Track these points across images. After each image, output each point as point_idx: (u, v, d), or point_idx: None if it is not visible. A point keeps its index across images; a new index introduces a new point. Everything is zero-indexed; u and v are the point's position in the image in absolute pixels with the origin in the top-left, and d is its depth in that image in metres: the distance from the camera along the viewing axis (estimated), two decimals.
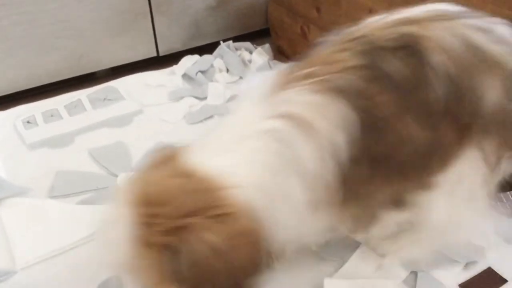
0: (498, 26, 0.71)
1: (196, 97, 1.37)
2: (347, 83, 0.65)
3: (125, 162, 1.15)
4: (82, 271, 0.91)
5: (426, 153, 0.69)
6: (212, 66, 1.48)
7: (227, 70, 1.47)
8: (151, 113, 1.32)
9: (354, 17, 1.24)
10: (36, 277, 0.90)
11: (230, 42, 1.55)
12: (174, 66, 1.50)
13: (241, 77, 1.44)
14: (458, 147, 0.70)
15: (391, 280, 0.88)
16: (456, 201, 0.76)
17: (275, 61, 1.50)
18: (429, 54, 0.66)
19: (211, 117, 1.30)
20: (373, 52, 0.67)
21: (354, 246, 0.94)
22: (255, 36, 1.66)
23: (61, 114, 1.31)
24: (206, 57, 1.51)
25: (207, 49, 1.57)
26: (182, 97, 1.37)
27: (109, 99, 1.37)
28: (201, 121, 1.29)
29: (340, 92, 0.65)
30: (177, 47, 1.57)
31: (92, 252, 0.93)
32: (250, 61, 1.50)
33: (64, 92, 1.41)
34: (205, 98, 1.37)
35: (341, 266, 0.91)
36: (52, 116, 1.30)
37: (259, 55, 1.52)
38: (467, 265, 0.91)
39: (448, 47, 0.67)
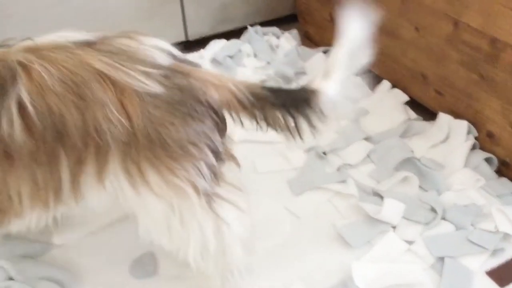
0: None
1: None
2: None
3: None
4: (116, 249, 0.94)
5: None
6: (240, 51, 1.49)
7: (255, 55, 1.48)
8: None
9: (384, 2, 1.25)
10: (72, 253, 0.93)
11: (258, 27, 1.55)
12: (202, 51, 1.51)
13: (268, 62, 1.45)
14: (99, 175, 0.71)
15: (418, 265, 0.89)
16: None
17: (303, 47, 1.50)
18: (20, 87, 0.66)
19: None
20: None
21: (382, 230, 0.96)
22: (283, 21, 1.66)
23: None
24: (234, 41, 1.52)
25: (235, 33, 1.58)
26: None
27: None
28: None
29: None
30: (206, 31, 1.58)
31: (126, 230, 0.97)
32: (277, 46, 1.51)
33: None
34: None
35: (369, 250, 0.92)
36: None
37: (287, 40, 1.52)
38: (494, 252, 0.91)
39: (59, 79, 0.67)
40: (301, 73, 1.39)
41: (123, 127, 0.66)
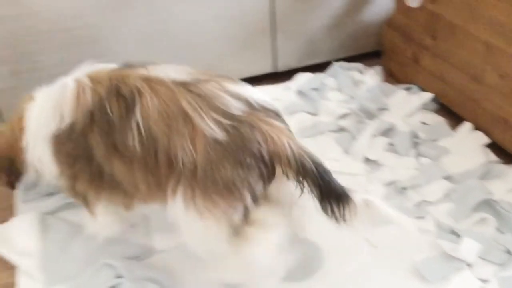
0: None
1: (309, 113, 1.48)
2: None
3: None
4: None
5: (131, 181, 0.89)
6: (324, 84, 1.58)
7: (339, 89, 1.57)
8: None
9: (469, 49, 1.29)
10: (171, 259, 1.05)
11: (342, 62, 1.64)
12: (289, 82, 1.62)
13: (351, 97, 1.53)
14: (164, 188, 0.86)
15: None
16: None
17: (386, 83, 1.57)
18: (137, 109, 0.85)
19: (322, 132, 1.40)
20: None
21: (457, 267, 1.00)
22: (366, 57, 1.74)
23: None
24: (319, 75, 1.62)
25: (320, 67, 1.68)
26: (295, 112, 1.49)
27: None
28: (312, 135, 1.39)
29: None
30: (293, 64, 1.69)
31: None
32: (361, 82, 1.58)
33: None
34: (317, 114, 1.47)
35: (445, 286, 0.97)
36: None
37: (370, 76, 1.59)
38: None
39: (159, 109, 0.84)
40: (383, 109, 1.46)
41: (191, 158, 0.82)
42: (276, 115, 0.88)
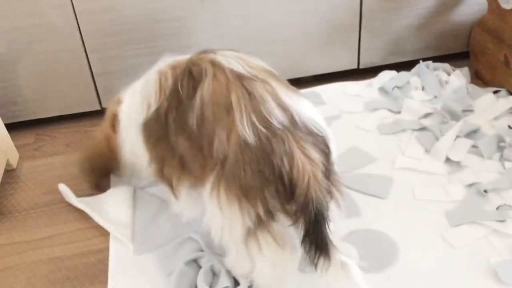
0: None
1: (390, 110, 1.49)
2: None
3: None
4: None
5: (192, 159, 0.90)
6: (408, 83, 1.58)
7: (423, 88, 1.56)
8: (347, 119, 1.47)
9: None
10: None
11: (430, 62, 1.62)
12: (372, 79, 1.63)
13: (435, 97, 1.51)
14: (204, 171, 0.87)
15: None
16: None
17: (472, 85, 1.53)
18: (200, 89, 0.87)
19: (404, 130, 1.40)
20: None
21: None
22: (453, 58, 1.71)
23: None
24: (404, 73, 1.61)
25: (405, 66, 1.67)
26: (377, 109, 1.50)
27: (313, 102, 1.54)
28: (394, 133, 1.40)
29: None
30: (377, 61, 1.69)
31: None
32: (446, 82, 1.56)
33: None
34: (399, 112, 1.47)
35: None
36: None
37: (457, 77, 1.57)
38: None
39: (212, 94, 0.85)
40: (469, 110, 1.43)
41: (224, 150, 0.83)
42: (321, 141, 0.84)
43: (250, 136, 0.80)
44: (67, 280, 1.08)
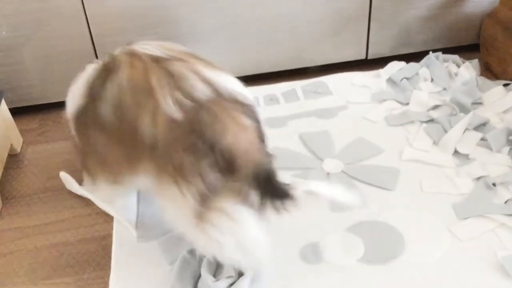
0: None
1: (398, 102, 1.47)
2: None
3: (329, 149, 1.30)
4: (292, 232, 1.08)
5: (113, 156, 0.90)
6: (417, 74, 1.56)
7: (432, 80, 1.53)
8: (354, 110, 1.45)
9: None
10: None
11: (440, 53, 1.60)
12: (380, 70, 1.61)
13: (445, 89, 1.49)
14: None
15: None
16: None
17: (482, 77, 1.51)
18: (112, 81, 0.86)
19: (411, 122, 1.38)
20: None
21: None
22: (463, 50, 1.68)
23: (278, 99, 1.51)
24: (413, 65, 1.59)
25: (413, 57, 1.65)
26: (384, 100, 1.48)
27: (319, 92, 1.53)
28: (401, 124, 1.38)
29: None
30: (385, 52, 1.67)
31: (301, 217, 1.11)
32: (456, 74, 1.54)
33: (281, 81, 1.62)
34: (407, 103, 1.45)
35: None
36: (271, 100, 1.51)
37: (467, 69, 1.54)
38: None
39: (130, 82, 0.84)
40: (478, 103, 1.41)
41: (152, 134, 0.82)
42: (249, 109, 0.84)
43: (176, 113, 0.80)
44: (69, 266, 1.07)
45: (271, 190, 0.81)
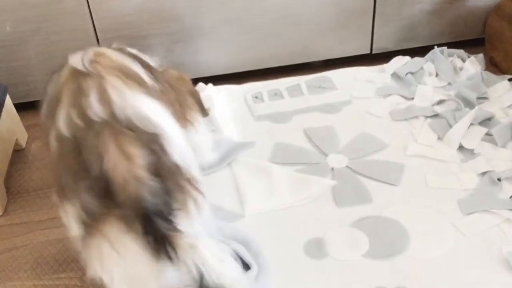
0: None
1: (403, 96, 1.46)
2: None
3: (334, 144, 1.30)
4: (296, 227, 1.08)
5: None
6: (422, 69, 1.55)
7: (437, 75, 1.53)
8: (359, 105, 1.45)
9: None
10: (258, 224, 1.10)
11: (445, 48, 1.59)
12: (385, 65, 1.60)
13: (449, 83, 1.48)
14: None
15: None
16: None
17: (488, 72, 1.50)
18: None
19: (416, 117, 1.38)
20: None
21: None
22: (468, 44, 1.67)
23: (283, 94, 1.51)
24: (417, 59, 1.58)
25: (418, 51, 1.64)
26: (389, 94, 1.47)
27: (323, 87, 1.53)
28: (406, 119, 1.37)
29: None
30: (390, 46, 1.66)
31: (306, 212, 1.11)
32: (461, 69, 1.53)
33: (284, 76, 1.61)
34: (412, 98, 1.45)
35: None
36: (275, 95, 1.51)
37: (472, 64, 1.54)
38: None
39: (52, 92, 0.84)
40: (483, 98, 1.41)
41: (52, 149, 0.81)
42: (149, 138, 0.79)
43: (64, 131, 0.78)
44: (74, 261, 1.07)
45: (150, 230, 0.76)
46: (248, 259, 0.97)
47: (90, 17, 1.44)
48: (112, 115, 0.78)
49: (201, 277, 0.82)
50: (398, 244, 1.03)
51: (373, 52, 1.67)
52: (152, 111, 0.82)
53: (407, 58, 1.60)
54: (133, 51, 1.01)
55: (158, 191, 0.76)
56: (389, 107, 1.42)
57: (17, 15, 1.40)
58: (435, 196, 1.14)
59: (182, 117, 1.04)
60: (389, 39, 1.65)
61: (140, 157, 0.76)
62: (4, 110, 1.31)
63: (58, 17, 1.42)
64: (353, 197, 1.14)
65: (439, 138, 1.30)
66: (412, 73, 1.54)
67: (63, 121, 0.79)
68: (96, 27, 1.46)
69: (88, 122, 0.77)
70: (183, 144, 0.85)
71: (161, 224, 0.76)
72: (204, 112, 1.35)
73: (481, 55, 1.57)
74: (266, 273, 0.97)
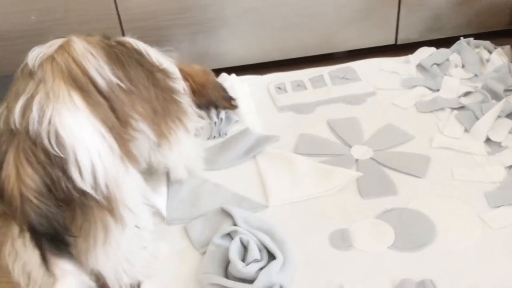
0: None
1: (429, 88, 1.44)
2: None
3: (358, 136, 1.29)
4: (320, 218, 1.08)
5: None
6: (448, 60, 1.53)
7: (463, 66, 1.50)
8: (383, 96, 1.44)
9: None
10: (282, 214, 1.10)
11: (471, 39, 1.57)
12: (410, 56, 1.58)
13: (476, 75, 1.46)
14: None
15: None
16: None
17: None
18: None
19: (442, 109, 1.36)
20: None
21: None
22: (495, 35, 1.64)
23: (306, 85, 1.50)
24: (443, 50, 1.56)
25: (444, 42, 1.61)
26: (414, 86, 1.46)
27: (347, 78, 1.52)
28: (431, 111, 1.36)
29: None
30: (415, 37, 1.64)
31: (330, 203, 1.10)
32: (488, 60, 1.51)
33: (306, 66, 1.60)
34: (438, 90, 1.43)
35: None
36: (298, 86, 1.50)
37: (499, 55, 1.51)
38: None
39: None
40: (510, 90, 1.38)
41: None
42: (54, 161, 0.76)
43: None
44: None
45: (37, 245, 0.77)
46: (273, 249, 0.97)
47: (115, 7, 1.44)
48: (26, 127, 0.77)
49: None
50: (424, 236, 1.03)
51: (398, 42, 1.65)
52: (70, 132, 0.78)
53: (433, 49, 1.58)
54: (130, 42, 1.00)
55: (47, 215, 0.75)
56: (415, 99, 1.41)
57: (42, 5, 1.42)
58: (462, 188, 1.13)
59: (156, 126, 1.00)
60: (414, 29, 1.63)
61: (31, 179, 0.75)
62: None
63: (83, 7, 1.43)
64: (378, 189, 1.13)
65: (466, 131, 1.28)
66: (437, 64, 1.52)
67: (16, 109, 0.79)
68: (121, 17, 1.46)
69: (7, 127, 0.78)
70: (109, 172, 0.81)
71: (48, 245, 0.76)
72: (232, 105, 1.35)
73: (508, 47, 1.54)
74: (291, 263, 0.97)
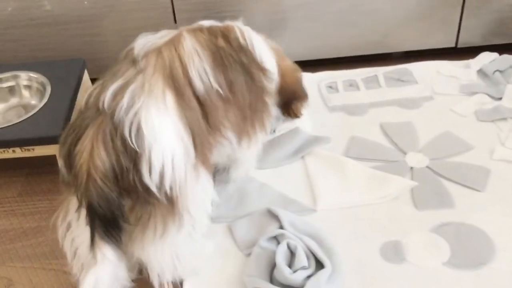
0: None
1: (490, 96, 1.36)
2: None
3: (413, 142, 1.23)
4: (371, 227, 1.03)
5: None
6: (511, 67, 1.44)
7: None
8: (441, 102, 1.37)
9: None
10: (331, 220, 1.06)
11: None
12: (470, 60, 1.50)
13: None
14: None
15: None
16: None
17: None
18: None
19: (504, 119, 1.28)
20: None
21: None
22: None
23: (358, 85, 1.45)
24: (506, 56, 1.47)
25: (507, 48, 1.53)
26: (475, 93, 1.38)
27: (402, 80, 1.45)
28: (492, 120, 1.28)
29: None
30: (477, 41, 1.56)
31: (382, 212, 1.05)
32: None
33: (359, 66, 1.54)
34: (500, 98, 1.35)
35: None
36: (350, 85, 1.45)
37: None
38: None
39: None
40: None
41: None
42: (128, 152, 0.77)
43: (83, 107, 0.83)
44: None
45: (91, 225, 0.79)
46: (322, 257, 0.93)
47: None
48: (113, 112, 0.78)
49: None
50: (482, 255, 0.97)
51: (458, 46, 1.57)
52: (152, 129, 0.78)
53: (495, 54, 1.49)
54: (237, 34, 0.99)
55: (107, 198, 0.77)
56: (475, 106, 1.33)
57: None
58: None
59: (242, 131, 0.98)
60: (476, 32, 1.55)
61: (101, 161, 0.77)
62: (82, 84, 1.32)
63: None
64: (434, 200, 1.08)
65: None
66: (500, 71, 1.43)
67: (85, 98, 0.84)
68: (174, 6, 1.44)
69: (95, 104, 0.80)
70: (178, 177, 0.81)
71: (99, 228, 0.78)
72: (299, 113, 1.28)
73: None
74: (341, 273, 0.92)
